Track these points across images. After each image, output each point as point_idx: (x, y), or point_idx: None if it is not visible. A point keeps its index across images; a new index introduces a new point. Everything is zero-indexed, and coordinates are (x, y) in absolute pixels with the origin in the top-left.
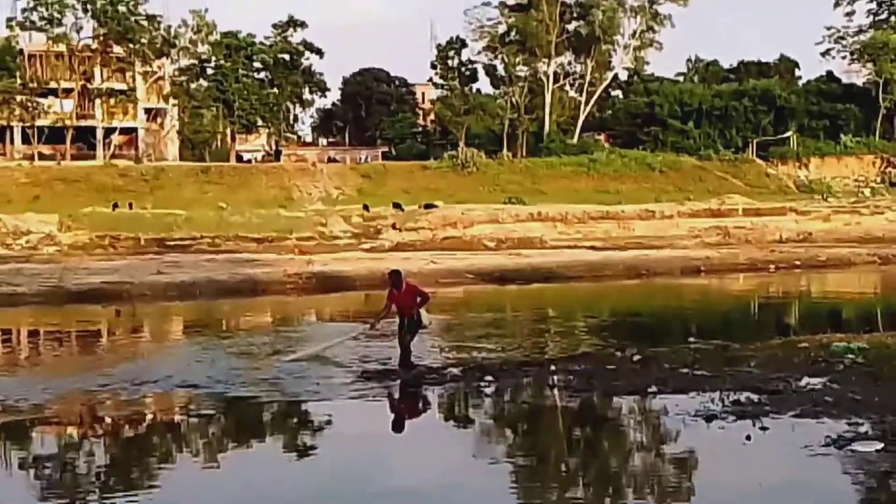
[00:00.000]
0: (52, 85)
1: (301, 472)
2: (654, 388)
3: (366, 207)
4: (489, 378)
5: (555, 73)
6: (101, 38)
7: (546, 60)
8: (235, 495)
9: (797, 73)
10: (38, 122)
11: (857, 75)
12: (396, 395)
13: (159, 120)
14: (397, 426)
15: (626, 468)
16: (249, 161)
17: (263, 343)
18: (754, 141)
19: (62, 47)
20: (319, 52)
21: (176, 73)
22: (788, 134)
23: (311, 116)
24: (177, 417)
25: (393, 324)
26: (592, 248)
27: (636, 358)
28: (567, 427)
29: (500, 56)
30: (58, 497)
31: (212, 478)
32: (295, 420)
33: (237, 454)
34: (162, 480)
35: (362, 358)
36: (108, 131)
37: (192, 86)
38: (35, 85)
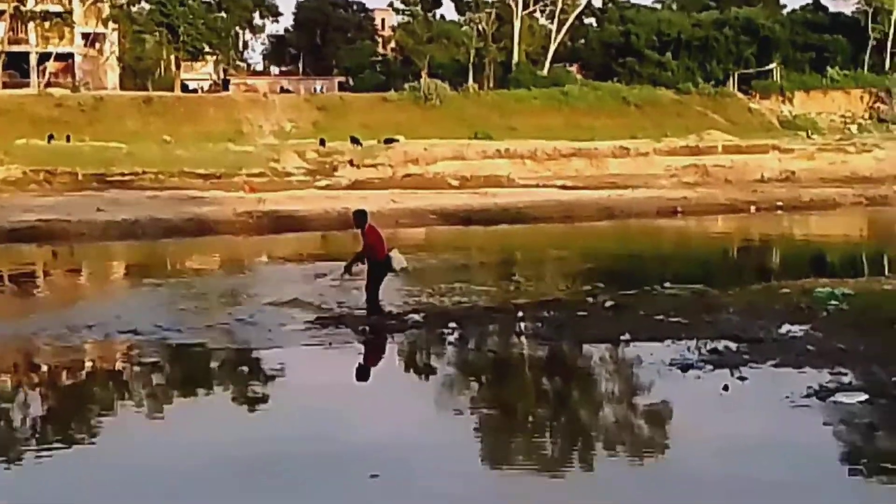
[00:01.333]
0: None
1: (248, 426)
2: (627, 336)
3: (321, 143)
4: (453, 325)
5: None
6: None
7: None
8: (176, 450)
9: (782, 1)
10: None
11: (846, 4)
12: (354, 343)
13: (98, 45)
14: (353, 375)
15: (597, 420)
16: (196, 91)
17: (212, 287)
18: (736, 74)
19: None
20: None
21: None
22: (772, 66)
23: (262, 43)
24: (117, 366)
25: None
26: (563, 187)
27: (609, 304)
28: (536, 377)
29: None
30: None
31: (152, 432)
32: (243, 369)
33: (180, 406)
34: (99, 433)
35: (319, 303)
36: (43, 57)
37: (134, 9)
38: None
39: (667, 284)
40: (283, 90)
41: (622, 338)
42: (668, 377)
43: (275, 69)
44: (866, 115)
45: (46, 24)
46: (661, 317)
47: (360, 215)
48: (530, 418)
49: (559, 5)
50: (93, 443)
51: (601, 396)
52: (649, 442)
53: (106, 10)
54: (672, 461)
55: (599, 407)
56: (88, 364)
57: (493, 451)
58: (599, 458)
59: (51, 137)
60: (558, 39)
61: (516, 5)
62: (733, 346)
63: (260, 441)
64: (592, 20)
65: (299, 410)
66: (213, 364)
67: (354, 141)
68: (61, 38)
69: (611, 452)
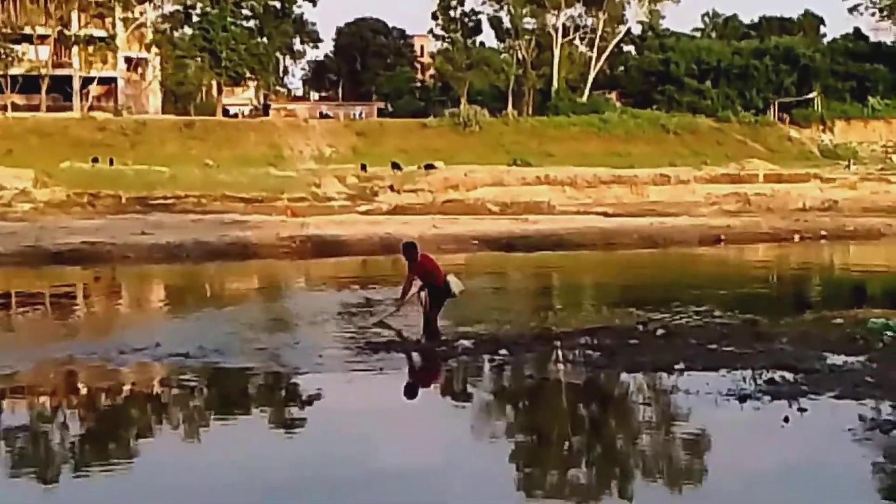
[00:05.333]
0: (27, 31)
1: (292, 450)
2: (681, 365)
3: (363, 167)
4: (504, 351)
5: (564, 27)
6: None
7: (555, 12)
8: (219, 472)
9: (822, 30)
10: (12, 71)
11: (887, 33)
12: (404, 369)
13: (140, 70)
14: (402, 401)
15: (654, 452)
16: (236, 115)
17: (258, 310)
18: (775, 102)
19: None
20: (312, 0)
21: (159, 19)
22: (812, 95)
23: (303, 69)
24: (165, 388)
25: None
26: (604, 214)
27: (660, 332)
28: (589, 405)
29: (505, 7)
30: (36, 472)
31: (196, 454)
32: (290, 394)
33: (228, 429)
34: (144, 456)
35: (369, 328)
36: (86, 81)
37: (176, 34)
38: (8, 30)
39: (717, 313)
40: (322, 115)
41: (676, 367)
42: (725, 408)
43: (314, 95)
44: None
45: (90, 49)
46: (713, 346)
47: (410, 248)
48: (586, 448)
49: (599, 33)
50: (133, 464)
51: (658, 426)
52: (710, 474)
53: (149, 35)
54: (733, 493)
55: (656, 437)
56: (137, 387)
57: (546, 480)
58: (657, 490)
59: (95, 160)
60: (598, 67)
61: (556, 33)
62: (789, 376)
63: (302, 465)
64: (632, 48)
65: (343, 435)
66: (260, 388)
67: (395, 166)
68: (104, 62)
69: (669, 484)
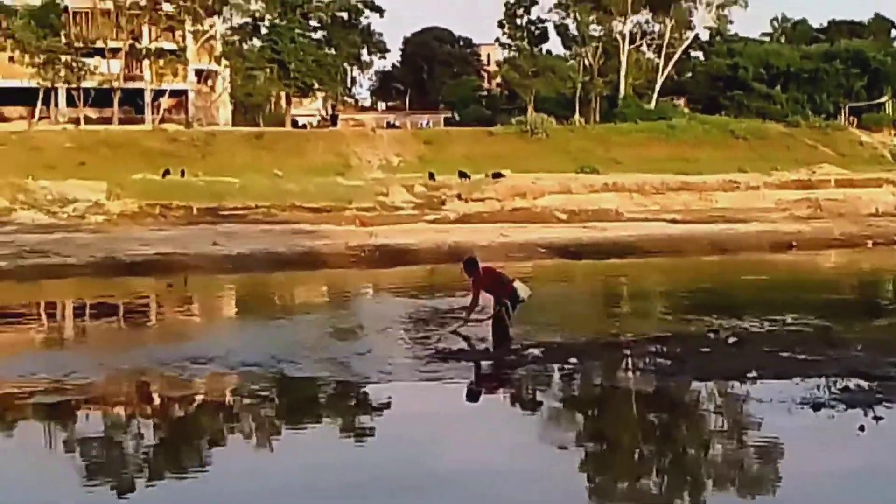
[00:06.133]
0: (99, 44)
1: (362, 457)
2: (753, 373)
3: (431, 176)
4: (573, 360)
5: (631, 33)
6: None
7: (621, 19)
8: (290, 480)
9: (893, 33)
10: (84, 84)
11: None
12: (473, 377)
13: (210, 82)
14: (471, 409)
15: (727, 459)
16: (304, 126)
17: (328, 319)
18: (846, 106)
19: (109, 4)
20: (380, 11)
21: (228, 32)
22: (884, 99)
23: (370, 79)
24: (238, 399)
25: None
26: (672, 220)
27: (731, 340)
28: (661, 413)
29: (572, 14)
30: (111, 480)
31: (268, 462)
32: (362, 403)
33: (299, 437)
34: (217, 464)
35: (438, 337)
36: (157, 94)
37: (245, 46)
38: (80, 44)
39: (789, 320)
40: (389, 125)
41: (748, 374)
42: (799, 416)
43: (381, 104)
44: None
45: (160, 62)
46: (786, 353)
47: (470, 264)
48: (656, 456)
49: (666, 39)
50: (206, 472)
51: (729, 435)
52: (783, 484)
53: (218, 48)
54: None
55: (728, 446)
56: (209, 396)
57: (617, 489)
58: (730, 499)
59: (166, 172)
60: (665, 73)
61: (623, 39)
62: (864, 384)
63: (371, 472)
64: (699, 53)
65: (414, 443)
66: (331, 397)
67: (462, 175)
68: (175, 75)
69: (741, 494)
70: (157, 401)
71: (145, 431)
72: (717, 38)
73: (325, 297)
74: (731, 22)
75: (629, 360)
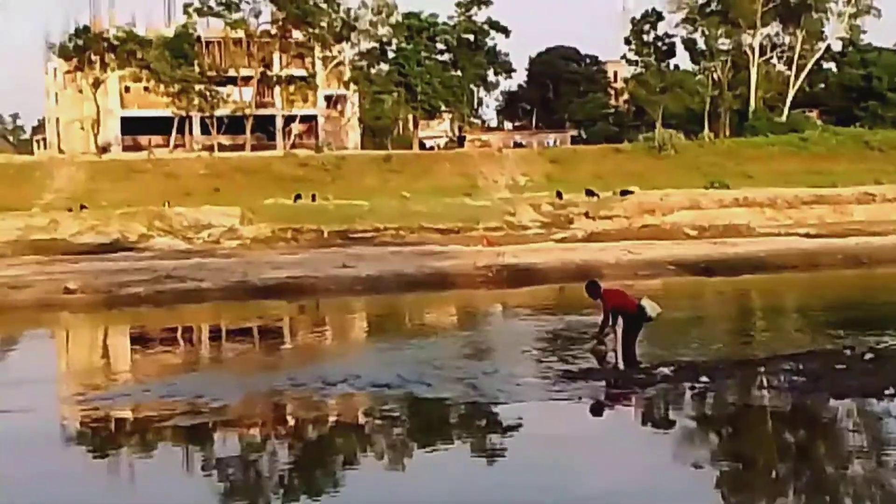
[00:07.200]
0: (231, 73)
1: (493, 478)
2: (891, 390)
3: (559, 195)
4: (705, 378)
5: (760, 46)
6: (280, 23)
7: (751, 32)
8: (424, 499)
9: None
10: (217, 112)
11: None
12: (602, 397)
13: (339, 107)
14: (601, 429)
15: (867, 478)
16: (432, 148)
17: (456, 340)
18: None
19: (240, 33)
20: (505, 31)
21: (356, 57)
22: None
23: (496, 99)
24: (369, 420)
25: None
26: (806, 235)
27: (869, 356)
28: (797, 431)
29: (699, 28)
30: (247, 501)
31: (401, 484)
32: (491, 423)
33: (430, 457)
34: (350, 485)
35: (567, 357)
36: (288, 120)
37: (373, 70)
38: (213, 73)
39: None
40: (516, 145)
41: (886, 392)
42: None
43: (508, 124)
44: None
45: (291, 88)
46: None
47: (591, 286)
48: (793, 475)
49: (797, 50)
50: (339, 493)
51: (868, 453)
52: None
53: (347, 73)
54: None
55: (868, 464)
56: (341, 417)
57: None
58: None
59: (297, 197)
60: (796, 85)
61: (752, 52)
62: None
63: (503, 493)
64: (832, 64)
65: (545, 464)
66: (460, 417)
67: (590, 193)
68: (305, 100)
69: None
70: (289, 422)
71: (280, 452)
72: (850, 49)
73: (453, 318)
74: (865, 32)
75: (763, 378)
